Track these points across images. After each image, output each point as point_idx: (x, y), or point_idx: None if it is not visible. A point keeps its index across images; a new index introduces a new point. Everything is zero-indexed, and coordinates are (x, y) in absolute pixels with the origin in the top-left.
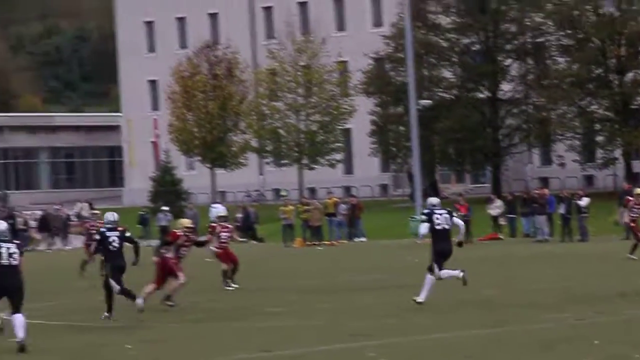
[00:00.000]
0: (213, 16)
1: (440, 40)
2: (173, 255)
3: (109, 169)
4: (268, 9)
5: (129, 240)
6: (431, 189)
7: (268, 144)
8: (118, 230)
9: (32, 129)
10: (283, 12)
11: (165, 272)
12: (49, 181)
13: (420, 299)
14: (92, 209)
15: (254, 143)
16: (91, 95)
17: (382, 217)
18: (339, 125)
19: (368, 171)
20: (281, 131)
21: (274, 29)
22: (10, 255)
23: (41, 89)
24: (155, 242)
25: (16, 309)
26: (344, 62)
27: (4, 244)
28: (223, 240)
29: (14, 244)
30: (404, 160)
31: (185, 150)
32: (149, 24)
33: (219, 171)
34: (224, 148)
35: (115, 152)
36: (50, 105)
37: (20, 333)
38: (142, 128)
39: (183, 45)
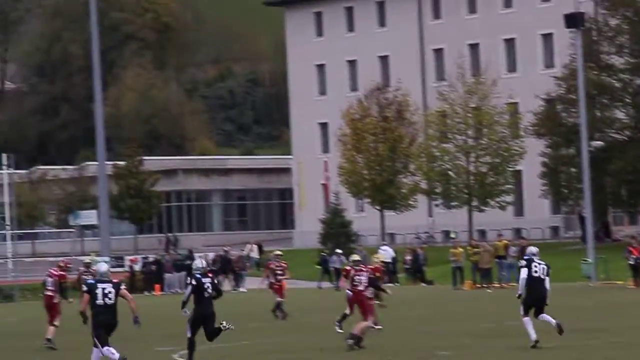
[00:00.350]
0: (384, 59)
1: (613, 81)
2: (370, 291)
3: (280, 211)
4: (439, 51)
5: (217, 288)
6: (603, 231)
7: (438, 185)
8: (209, 277)
9: (206, 172)
10: (454, 54)
11: (357, 305)
12: (221, 223)
13: (533, 338)
14: (261, 251)
15: (423, 185)
16: (263, 138)
17: (552, 260)
18: (510, 167)
19: (539, 213)
20: (451, 173)
21: (445, 70)
22: (105, 295)
23: (214, 132)
24: (329, 285)
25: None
26: (515, 103)
27: (100, 284)
28: (355, 284)
29: (110, 284)
30: (575, 202)
31: (355, 192)
32: (320, 67)
33: (389, 213)
34: (394, 190)
35: (286, 194)
36: (222, 148)
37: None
38: (312, 170)
39: (354, 87)
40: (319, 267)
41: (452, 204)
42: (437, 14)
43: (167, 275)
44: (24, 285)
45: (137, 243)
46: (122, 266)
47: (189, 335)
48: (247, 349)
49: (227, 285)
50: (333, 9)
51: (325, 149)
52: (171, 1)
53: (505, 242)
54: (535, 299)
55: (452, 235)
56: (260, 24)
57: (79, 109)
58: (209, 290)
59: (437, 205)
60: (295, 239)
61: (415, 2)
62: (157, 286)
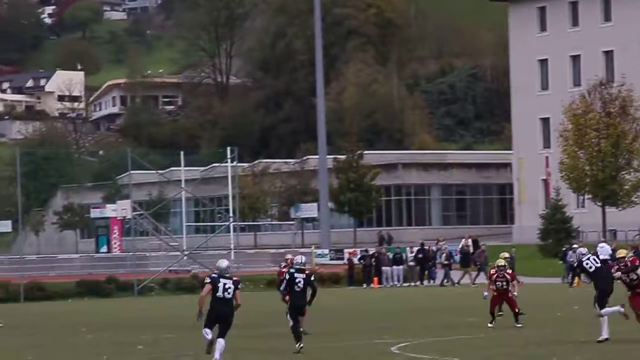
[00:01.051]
0: (608, 54)
1: None
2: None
3: (499, 206)
4: None
5: (311, 284)
6: None
7: None
8: (305, 274)
9: (425, 166)
10: None
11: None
12: (439, 217)
13: (602, 336)
14: (476, 246)
15: None
16: (483, 132)
17: None
18: None
19: None
20: None
21: None
22: (225, 289)
23: (434, 126)
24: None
25: (222, 335)
26: None
27: (222, 280)
28: (498, 285)
29: (231, 281)
30: None
31: (576, 188)
32: (543, 62)
33: (610, 209)
34: (616, 186)
35: (506, 189)
36: (442, 142)
37: (217, 354)
38: (533, 165)
39: (576, 82)
40: (561, 262)
41: None
42: None
43: (384, 269)
44: (245, 276)
45: (356, 236)
46: (341, 259)
47: (291, 324)
48: (462, 343)
49: (466, 279)
50: (557, 4)
51: (547, 144)
52: None
53: None
54: (603, 291)
55: None
56: (482, 19)
57: (302, 103)
58: (300, 285)
59: None
60: (514, 234)
61: None
62: (375, 279)
